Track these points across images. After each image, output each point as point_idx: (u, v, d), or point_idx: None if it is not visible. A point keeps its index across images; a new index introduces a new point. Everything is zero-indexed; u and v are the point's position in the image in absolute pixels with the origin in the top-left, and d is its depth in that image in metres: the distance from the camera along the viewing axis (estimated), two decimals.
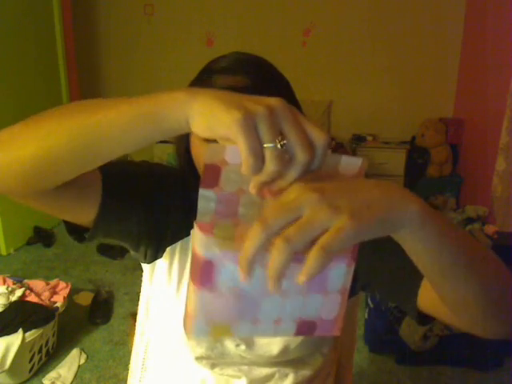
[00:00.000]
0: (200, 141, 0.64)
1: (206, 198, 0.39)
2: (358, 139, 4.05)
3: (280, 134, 0.37)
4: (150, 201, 0.69)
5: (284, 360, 0.74)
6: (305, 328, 0.41)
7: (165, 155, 3.62)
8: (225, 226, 0.40)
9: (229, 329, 0.40)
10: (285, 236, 0.34)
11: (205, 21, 4.13)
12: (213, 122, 0.38)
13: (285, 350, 0.71)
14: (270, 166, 0.36)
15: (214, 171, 0.39)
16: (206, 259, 0.38)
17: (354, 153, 3.89)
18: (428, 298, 0.58)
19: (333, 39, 4.05)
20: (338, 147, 3.76)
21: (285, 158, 0.37)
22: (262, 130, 0.37)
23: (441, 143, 3.79)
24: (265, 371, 0.74)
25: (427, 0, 3.86)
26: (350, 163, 0.42)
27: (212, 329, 0.39)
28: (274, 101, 0.39)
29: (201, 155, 0.66)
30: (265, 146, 0.37)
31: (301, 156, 0.37)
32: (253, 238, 0.34)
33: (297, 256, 0.34)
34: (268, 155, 0.36)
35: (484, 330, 0.52)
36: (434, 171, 3.83)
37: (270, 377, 0.74)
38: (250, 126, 0.36)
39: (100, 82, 4.46)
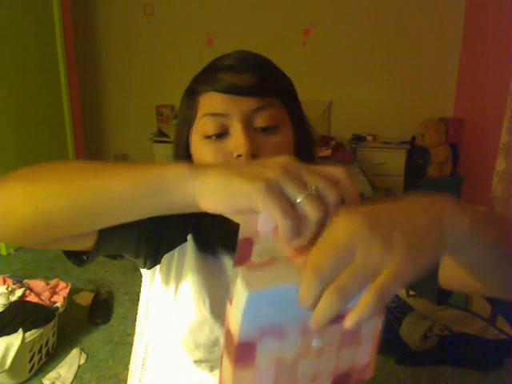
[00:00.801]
0: (201, 140, 0.64)
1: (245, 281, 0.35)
2: (358, 139, 4.05)
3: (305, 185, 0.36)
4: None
5: None
6: (339, 379, 0.40)
7: (165, 155, 3.62)
8: None
9: None
10: (339, 286, 0.31)
11: (205, 21, 4.13)
12: (231, 195, 0.37)
13: None
14: (314, 212, 0.35)
15: (248, 245, 0.37)
16: (244, 341, 0.35)
17: (354, 153, 3.90)
18: (449, 276, 0.55)
19: (333, 39, 4.05)
20: (338, 147, 3.76)
21: (321, 203, 0.36)
22: (289, 187, 0.36)
23: (441, 143, 3.80)
24: None
25: (427, 0, 3.86)
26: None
27: None
28: (283, 159, 0.38)
29: (201, 155, 0.64)
30: (298, 200, 0.35)
31: (332, 195, 0.36)
32: (308, 287, 0.32)
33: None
34: (307, 204, 0.35)
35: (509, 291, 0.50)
36: (434, 171, 3.83)
37: None
38: (276, 190, 0.35)
39: (100, 82, 4.46)
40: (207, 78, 0.65)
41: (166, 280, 0.72)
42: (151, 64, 4.31)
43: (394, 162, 3.89)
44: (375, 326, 0.39)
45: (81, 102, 3.62)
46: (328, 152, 3.63)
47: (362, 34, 3.97)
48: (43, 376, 1.81)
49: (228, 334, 0.37)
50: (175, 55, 4.22)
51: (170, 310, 0.72)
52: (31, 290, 1.98)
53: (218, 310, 0.69)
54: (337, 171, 0.39)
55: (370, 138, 4.05)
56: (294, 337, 0.36)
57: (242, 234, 0.37)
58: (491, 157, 3.06)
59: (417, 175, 3.87)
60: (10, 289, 1.91)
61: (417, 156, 3.88)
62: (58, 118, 3.33)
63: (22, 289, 1.94)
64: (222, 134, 0.61)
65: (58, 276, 2.39)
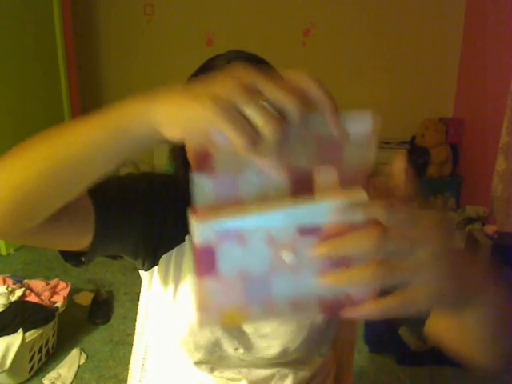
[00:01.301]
0: None
1: (200, 185, 0.37)
2: None
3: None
4: (148, 217, 0.67)
5: (283, 361, 0.73)
6: (330, 308, 0.37)
7: (165, 155, 3.62)
8: (222, 210, 0.37)
9: (241, 315, 0.37)
10: (388, 266, 0.33)
11: (205, 21, 4.13)
12: (187, 120, 0.36)
13: (284, 352, 0.71)
14: (264, 127, 0.33)
15: (206, 157, 0.37)
16: (203, 246, 0.36)
17: None
18: (436, 329, 0.57)
19: (333, 39, 4.05)
20: None
21: (272, 115, 0.34)
22: (238, 101, 0.33)
23: (441, 143, 3.79)
24: (264, 372, 0.74)
25: (427, 0, 3.86)
26: (359, 122, 0.38)
27: (223, 317, 0.38)
28: (238, 70, 0.36)
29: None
30: (247, 113, 0.33)
31: (290, 104, 0.34)
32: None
33: (316, 231, 0.34)
34: (256, 118, 0.33)
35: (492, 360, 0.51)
36: (434, 171, 3.83)
37: (270, 378, 0.74)
38: (225, 107, 0.33)
39: (100, 82, 4.46)
40: (201, 78, 0.64)
41: (165, 281, 0.72)
42: (151, 64, 4.31)
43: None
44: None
45: (81, 102, 3.62)
46: None
47: (362, 33, 3.97)
48: (43, 376, 1.81)
49: (194, 248, 0.37)
50: (175, 55, 4.22)
51: (169, 311, 0.72)
52: (31, 290, 1.97)
53: None
54: (298, 75, 0.36)
55: None
56: (259, 245, 0.35)
57: (194, 147, 0.37)
58: (491, 157, 3.06)
59: (417, 175, 3.87)
60: (10, 289, 1.90)
61: (417, 156, 3.88)
62: (57, 117, 3.33)
63: (22, 289, 1.94)
64: None
65: (58, 276, 2.39)
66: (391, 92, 4.08)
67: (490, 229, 2.64)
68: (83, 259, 0.60)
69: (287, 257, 0.36)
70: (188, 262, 0.70)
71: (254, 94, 0.34)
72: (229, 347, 0.70)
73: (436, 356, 1.89)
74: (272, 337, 0.70)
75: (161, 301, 0.74)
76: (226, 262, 0.36)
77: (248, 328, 0.70)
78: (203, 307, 0.38)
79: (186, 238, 0.71)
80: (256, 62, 0.67)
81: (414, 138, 3.97)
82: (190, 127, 0.36)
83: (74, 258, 0.61)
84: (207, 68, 0.67)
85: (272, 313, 0.37)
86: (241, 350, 0.70)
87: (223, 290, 0.37)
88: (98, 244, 0.59)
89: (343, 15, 3.97)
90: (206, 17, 4.12)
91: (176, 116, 0.36)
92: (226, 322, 0.39)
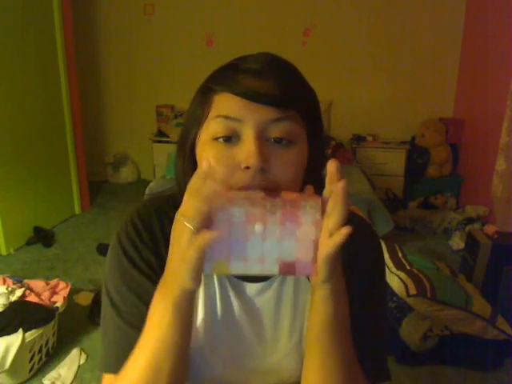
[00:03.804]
0: (209, 141, 0.58)
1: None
2: (358, 139, 4.05)
3: None
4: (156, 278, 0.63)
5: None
6: (285, 267, 0.50)
7: (165, 155, 3.62)
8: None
9: (227, 266, 0.49)
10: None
11: (205, 21, 4.14)
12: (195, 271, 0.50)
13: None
14: None
15: None
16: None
17: (354, 153, 3.90)
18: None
19: (333, 39, 4.06)
20: (338, 147, 3.76)
21: None
22: None
23: (441, 143, 3.80)
24: None
25: (427, 0, 3.86)
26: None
27: (214, 265, 0.49)
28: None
29: (207, 157, 0.57)
30: None
31: None
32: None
33: (273, 208, 0.49)
34: None
35: None
36: (434, 171, 3.83)
37: None
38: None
39: (100, 82, 4.46)
40: (226, 77, 0.58)
41: None
42: (151, 64, 4.31)
43: (394, 162, 3.89)
44: (314, 229, 0.49)
45: (81, 101, 3.62)
46: (328, 152, 3.63)
47: (362, 33, 3.97)
48: (43, 376, 1.81)
49: None
50: (175, 55, 4.23)
51: None
52: (31, 290, 1.97)
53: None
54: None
55: (369, 138, 4.05)
56: (241, 219, 0.49)
57: None
58: (491, 157, 3.06)
59: (417, 175, 3.87)
60: (9, 289, 1.90)
61: (417, 156, 3.88)
62: (58, 118, 3.33)
63: (22, 289, 1.93)
64: (231, 138, 0.56)
65: (58, 276, 2.39)
66: (391, 92, 4.08)
67: (490, 229, 2.64)
68: None
69: (258, 228, 0.49)
70: None
71: None
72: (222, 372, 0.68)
73: (436, 356, 1.89)
74: (270, 373, 0.68)
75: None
76: (221, 227, 0.49)
77: (247, 362, 0.68)
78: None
79: None
80: (288, 70, 0.61)
81: (413, 138, 3.98)
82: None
83: None
84: (234, 68, 0.60)
85: (247, 268, 0.50)
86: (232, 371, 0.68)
87: (216, 247, 0.49)
88: None
89: (343, 15, 3.98)
90: (206, 17, 4.13)
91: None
92: (217, 271, 0.50)
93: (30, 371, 1.78)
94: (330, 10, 3.98)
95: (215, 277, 0.66)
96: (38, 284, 2.04)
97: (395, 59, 4.01)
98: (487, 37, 3.33)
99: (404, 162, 3.88)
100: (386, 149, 3.92)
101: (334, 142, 3.87)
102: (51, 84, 3.24)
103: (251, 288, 0.66)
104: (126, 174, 4.53)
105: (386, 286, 0.73)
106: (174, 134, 3.94)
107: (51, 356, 1.92)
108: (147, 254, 0.64)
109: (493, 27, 3.25)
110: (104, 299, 0.66)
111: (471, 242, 2.41)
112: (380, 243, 0.72)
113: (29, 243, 3.02)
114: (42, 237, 3.06)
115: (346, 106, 4.17)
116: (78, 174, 3.57)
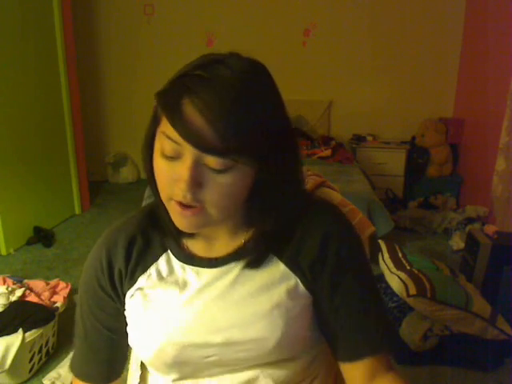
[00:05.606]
0: (159, 155, 0.59)
1: None
2: (358, 139, 4.05)
3: None
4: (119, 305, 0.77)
5: (264, 362, 0.70)
6: None
7: None
8: None
9: None
10: None
11: (205, 21, 4.14)
12: None
13: (259, 356, 0.68)
14: None
15: None
16: None
17: (354, 153, 3.90)
18: None
19: (333, 39, 4.06)
20: (338, 147, 3.76)
21: None
22: None
23: (441, 143, 3.80)
24: (247, 375, 0.71)
25: (427, 0, 3.86)
26: None
27: None
28: None
29: (157, 169, 0.61)
30: None
31: None
32: None
33: None
34: None
35: None
36: (434, 171, 3.83)
37: (254, 379, 0.71)
38: None
39: (100, 82, 4.46)
40: (170, 102, 0.56)
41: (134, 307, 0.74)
42: (151, 64, 4.31)
43: (394, 162, 3.89)
44: None
45: (81, 101, 3.62)
46: (328, 152, 3.63)
47: (362, 33, 3.97)
48: (43, 376, 1.81)
49: None
50: (175, 55, 4.22)
51: (136, 332, 0.72)
52: (31, 290, 1.97)
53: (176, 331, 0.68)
54: None
55: (369, 138, 4.05)
56: None
57: None
58: (491, 157, 3.06)
59: (417, 175, 3.87)
60: (9, 289, 1.90)
61: (417, 156, 3.88)
62: (58, 118, 3.33)
63: (22, 289, 1.94)
64: (175, 158, 0.58)
65: (58, 276, 2.39)
66: (391, 92, 4.08)
67: (490, 229, 2.64)
68: None
69: None
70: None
71: None
72: (199, 358, 0.68)
73: (436, 356, 1.89)
74: (241, 343, 0.67)
75: (133, 317, 0.74)
76: None
77: (216, 338, 0.67)
78: None
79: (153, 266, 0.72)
80: (236, 109, 0.55)
81: (413, 138, 3.98)
82: None
83: None
84: (177, 89, 0.57)
85: None
86: (212, 358, 0.68)
87: None
88: None
89: (343, 15, 3.98)
90: (206, 17, 4.13)
91: None
92: None
93: (30, 371, 1.78)
94: (330, 10, 3.98)
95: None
96: (37, 284, 2.04)
97: (395, 59, 4.01)
98: (487, 37, 3.33)
99: (404, 162, 3.88)
100: (385, 149, 3.92)
101: (333, 142, 3.87)
102: (51, 84, 3.24)
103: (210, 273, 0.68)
104: (126, 174, 4.53)
105: (367, 262, 0.71)
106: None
107: (51, 356, 1.92)
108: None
109: (493, 27, 3.25)
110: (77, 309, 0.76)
111: (471, 242, 2.41)
112: (351, 226, 0.70)
113: (29, 243, 3.02)
114: (42, 237, 3.06)
115: (345, 106, 4.18)
116: (78, 174, 3.57)
